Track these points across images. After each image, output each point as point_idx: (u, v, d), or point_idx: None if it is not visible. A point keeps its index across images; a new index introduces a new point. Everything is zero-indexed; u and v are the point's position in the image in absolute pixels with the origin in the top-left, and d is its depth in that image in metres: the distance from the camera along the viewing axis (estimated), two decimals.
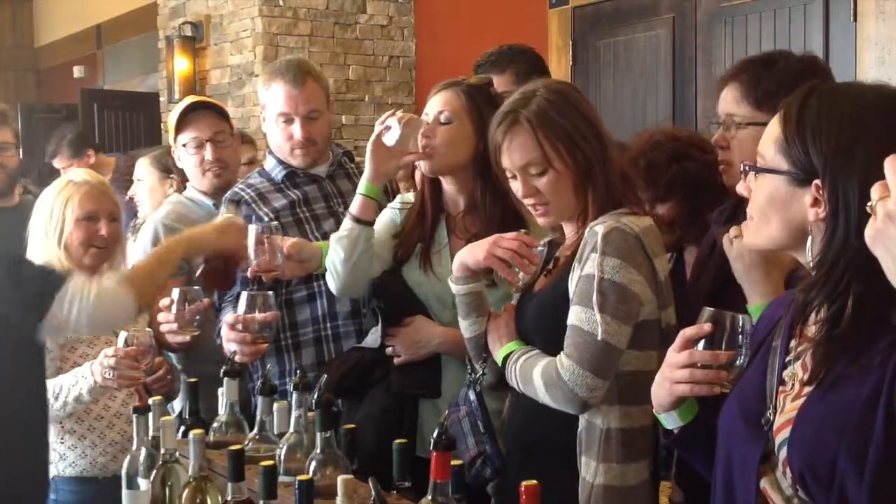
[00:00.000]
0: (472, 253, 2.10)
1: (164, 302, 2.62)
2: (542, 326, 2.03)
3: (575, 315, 1.91)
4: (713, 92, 2.31)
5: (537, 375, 1.94)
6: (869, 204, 1.10)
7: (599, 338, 1.87)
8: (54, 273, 2.38)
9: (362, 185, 2.40)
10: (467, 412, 2.16)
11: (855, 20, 4.11)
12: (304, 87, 2.74)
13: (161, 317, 2.64)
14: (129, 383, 2.53)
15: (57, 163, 5.38)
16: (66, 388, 2.53)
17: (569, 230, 2.09)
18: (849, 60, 4.11)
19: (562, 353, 1.92)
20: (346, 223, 2.40)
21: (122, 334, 2.51)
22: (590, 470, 1.92)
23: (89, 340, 2.59)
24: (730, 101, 2.06)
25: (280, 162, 2.82)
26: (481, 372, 2.17)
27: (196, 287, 2.62)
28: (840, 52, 4.17)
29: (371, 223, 2.40)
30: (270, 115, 2.79)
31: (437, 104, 2.40)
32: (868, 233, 1.10)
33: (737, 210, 2.17)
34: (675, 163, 2.33)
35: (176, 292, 2.57)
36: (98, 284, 2.35)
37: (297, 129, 2.74)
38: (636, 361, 1.95)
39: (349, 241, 2.37)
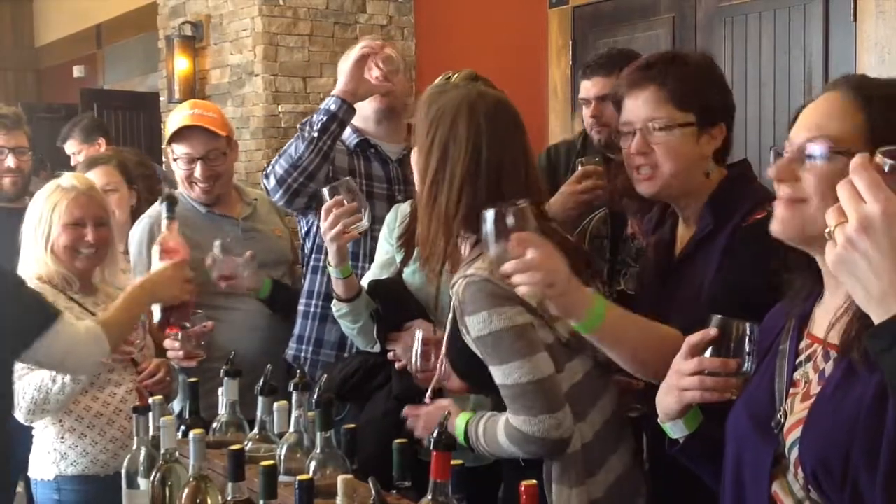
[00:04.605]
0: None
1: None
2: (468, 372, 2.03)
3: (494, 376, 1.90)
4: None
5: (504, 442, 1.92)
6: (827, 230, 1.10)
7: (524, 382, 1.84)
8: (47, 309, 2.39)
9: (332, 271, 2.41)
10: None
11: (855, 20, 4.10)
12: (387, 43, 2.98)
13: (167, 344, 2.74)
14: (121, 357, 2.62)
15: (68, 147, 5.28)
16: None
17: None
18: (849, 60, 4.11)
19: (508, 416, 1.90)
20: (338, 304, 2.45)
21: None
22: (562, 498, 1.91)
23: None
24: (650, 104, 1.99)
25: (356, 130, 2.90)
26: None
27: (199, 311, 2.74)
28: (840, 52, 4.17)
29: (359, 293, 2.44)
30: None
31: None
32: (830, 258, 1.09)
33: (663, 216, 2.16)
34: None
35: None
36: (77, 329, 2.41)
37: (375, 72, 2.83)
38: (565, 382, 1.93)
39: (352, 314, 2.44)
